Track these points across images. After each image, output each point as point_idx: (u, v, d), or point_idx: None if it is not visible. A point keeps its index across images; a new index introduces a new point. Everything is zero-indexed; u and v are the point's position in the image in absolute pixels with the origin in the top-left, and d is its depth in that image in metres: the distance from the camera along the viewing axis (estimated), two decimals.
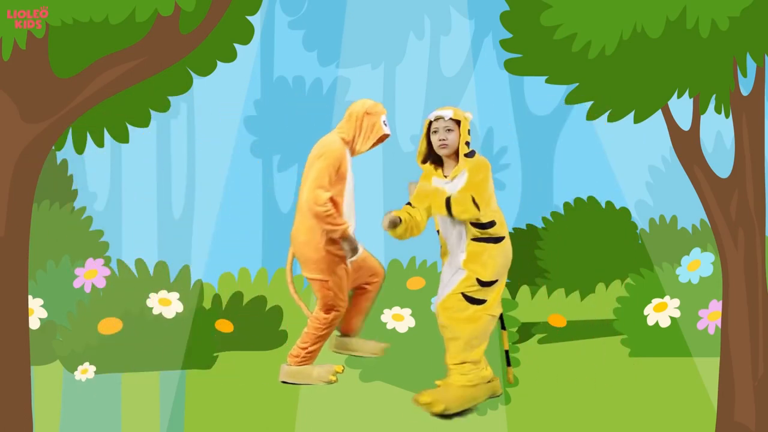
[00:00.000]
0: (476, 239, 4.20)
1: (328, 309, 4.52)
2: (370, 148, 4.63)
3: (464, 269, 4.20)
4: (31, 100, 3.45)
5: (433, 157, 4.33)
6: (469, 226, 4.19)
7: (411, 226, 4.21)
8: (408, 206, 4.28)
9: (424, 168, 4.35)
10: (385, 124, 4.63)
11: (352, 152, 4.60)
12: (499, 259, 4.22)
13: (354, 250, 4.52)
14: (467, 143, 4.21)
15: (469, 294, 4.17)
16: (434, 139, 4.25)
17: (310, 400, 4.28)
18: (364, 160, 5.38)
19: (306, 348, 4.53)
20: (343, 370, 4.59)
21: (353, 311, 4.78)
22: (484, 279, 4.17)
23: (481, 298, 4.17)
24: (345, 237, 4.46)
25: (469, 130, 4.23)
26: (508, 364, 4.47)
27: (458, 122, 4.22)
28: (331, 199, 4.43)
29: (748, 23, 3.34)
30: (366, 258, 4.71)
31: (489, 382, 4.27)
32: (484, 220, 4.17)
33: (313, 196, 4.41)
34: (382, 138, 4.67)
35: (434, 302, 4.34)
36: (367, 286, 4.75)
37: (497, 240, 4.22)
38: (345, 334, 4.85)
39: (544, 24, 3.45)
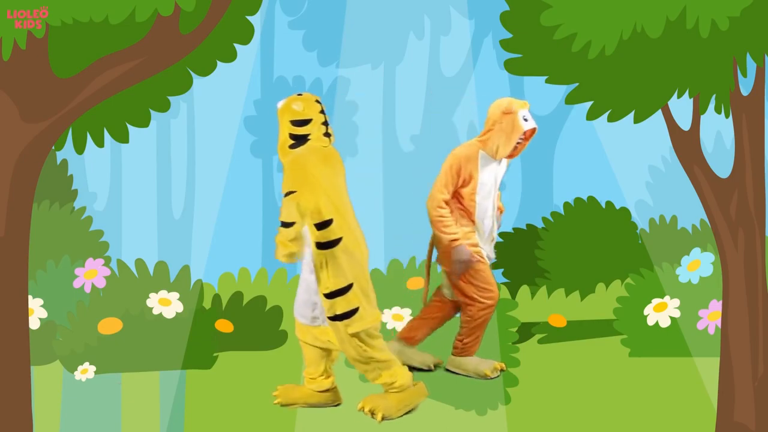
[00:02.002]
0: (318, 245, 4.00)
1: (469, 308, 4.57)
2: (520, 146, 4.64)
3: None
4: (31, 100, 3.45)
5: None
6: (313, 228, 3.98)
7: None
8: None
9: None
10: (526, 120, 4.59)
11: (496, 155, 4.58)
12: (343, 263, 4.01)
13: (462, 262, 4.52)
14: (292, 135, 4.10)
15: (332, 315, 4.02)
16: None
17: None
18: (364, 160, 5.39)
19: (462, 340, 4.63)
20: (504, 369, 4.66)
21: (420, 319, 4.78)
22: (334, 288, 3.99)
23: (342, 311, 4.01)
24: (454, 246, 4.49)
25: (294, 121, 4.10)
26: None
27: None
28: (447, 204, 4.49)
29: (748, 23, 3.33)
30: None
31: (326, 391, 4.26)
32: (317, 220, 3.97)
33: (430, 196, 4.51)
34: (528, 134, 4.64)
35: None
36: (456, 303, 4.71)
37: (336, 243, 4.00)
38: (404, 340, 4.79)
39: (544, 24, 3.45)
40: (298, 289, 4.17)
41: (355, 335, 4.00)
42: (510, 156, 4.67)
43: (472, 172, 4.54)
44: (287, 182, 4.04)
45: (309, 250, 4.02)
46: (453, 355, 4.67)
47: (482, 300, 4.57)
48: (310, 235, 3.98)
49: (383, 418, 4.03)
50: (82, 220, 5.52)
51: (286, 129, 4.11)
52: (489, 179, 4.60)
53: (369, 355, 4.04)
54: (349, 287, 3.98)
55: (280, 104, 4.16)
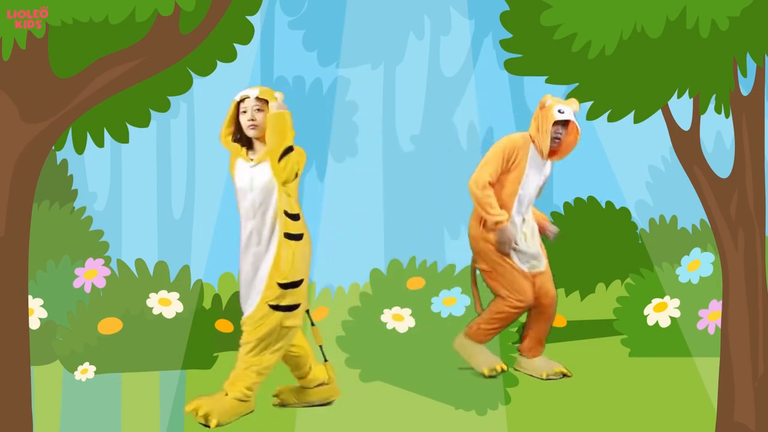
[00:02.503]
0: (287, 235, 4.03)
1: (500, 300, 4.59)
2: (564, 145, 4.67)
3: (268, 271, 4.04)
4: (31, 100, 3.44)
5: (241, 139, 4.10)
6: (285, 218, 4.01)
7: None
8: None
9: (231, 148, 4.10)
10: (561, 112, 4.57)
11: (541, 152, 4.62)
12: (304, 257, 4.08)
13: (505, 243, 4.53)
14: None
15: (275, 303, 4.02)
16: (243, 119, 4.03)
17: None
18: (364, 160, 5.39)
19: (479, 323, 4.63)
20: (503, 371, 4.60)
21: (525, 330, 4.78)
22: (290, 279, 4.02)
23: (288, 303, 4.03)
24: (499, 228, 4.50)
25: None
26: (325, 359, 4.30)
27: (267, 102, 4.06)
28: (492, 185, 4.51)
29: (748, 23, 3.33)
30: (543, 275, 4.70)
31: (320, 385, 4.23)
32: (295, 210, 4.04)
33: (475, 176, 4.51)
34: (570, 129, 4.63)
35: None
36: (537, 306, 4.70)
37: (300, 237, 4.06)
38: (520, 352, 4.81)
39: (544, 24, 3.45)
40: (251, 291, 4.11)
41: (286, 328, 4.04)
42: (553, 154, 4.68)
43: (521, 159, 4.57)
44: (283, 136, 3.99)
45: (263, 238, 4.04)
46: (464, 333, 4.66)
47: (512, 299, 4.56)
48: (280, 225, 4.00)
49: (218, 424, 3.94)
50: (82, 220, 5.52)
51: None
52: (534, 175, 4.62)
53: (263, 358, 4.03)
54: (300, 282, 4.04)
55: (278, 94, 4.11)
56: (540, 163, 4.67)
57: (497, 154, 4.56)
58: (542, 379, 4.60)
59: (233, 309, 5.08)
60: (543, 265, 4.69)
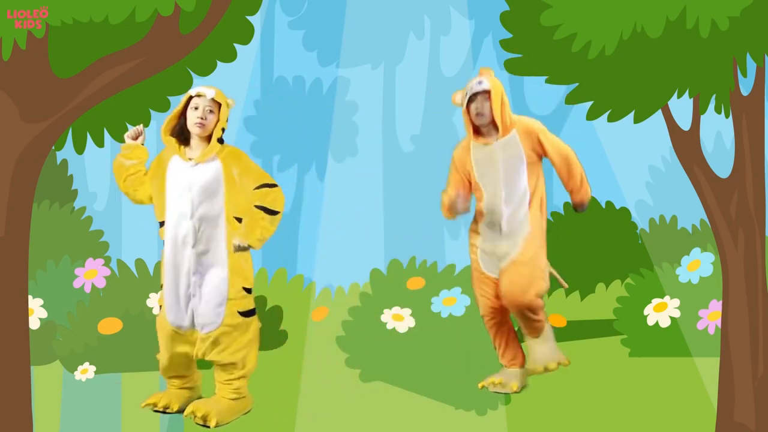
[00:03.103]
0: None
1: None
2: (481, 114, 4.20)
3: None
4: (31, 100, 3.45)
5: (179, 134, 3.99)
6: (236, 223, 3.96)
7: None
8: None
9: (169, 143, 3.97)
10: (466, 94, 4.23)
11: (476, 135, 4.28)
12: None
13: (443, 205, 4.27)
14: (223, 130, 3.97)
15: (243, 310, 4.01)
16: (192, 115, 3.90)
17: (310, 400, 4.28)
18: (364, 160, 5.38)
19: None
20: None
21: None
22: (248, 285, 4.02)
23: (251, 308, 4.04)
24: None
25: (227, 119, 3.98)
26: None
27: (219, 105, 3.95)
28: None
29: (748, 23, 3.34)
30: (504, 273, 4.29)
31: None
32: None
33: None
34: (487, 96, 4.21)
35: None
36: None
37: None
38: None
39: (544, 24, 3.45)
40: (207, 296, 3.99)
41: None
42: (498, 128, 4.20)
43: (467, 161, 4.32)
44: (261, 174, 4.02)
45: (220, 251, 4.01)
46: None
47: (479, 301, 4.39)
48: (230, 230, 3.97)
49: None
50: (82, 220, 5.52)
51: (224, 122, 3.97)
52: (485, 162, 4.26)
53: (248, 365, 4.06)
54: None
55: (231, 101, 4.02)
56: (489, 151, 4.25)
57: (450, 169, 4.39)
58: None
59: None
60: (506, 261, 4.28)
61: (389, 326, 5.04)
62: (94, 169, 6.11)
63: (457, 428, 4.00)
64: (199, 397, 4.15)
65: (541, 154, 4.29)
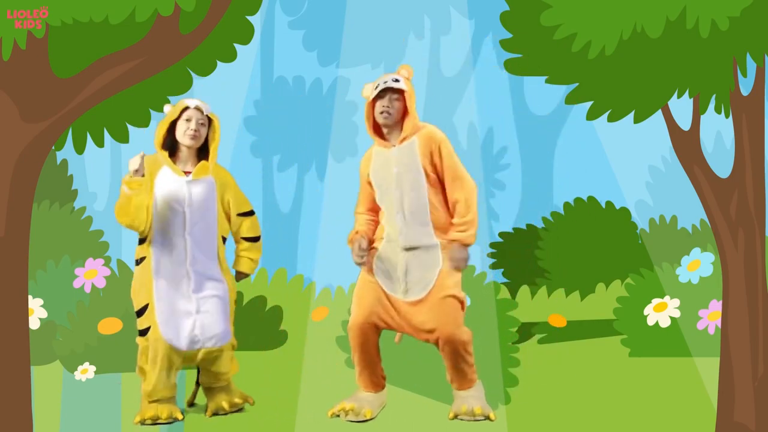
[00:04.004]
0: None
1: None
2: (387, 113, 3.99)
3: None
4: (31, 100, 3.45)
5: (169, 146, 4.05)
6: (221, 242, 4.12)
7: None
8: None
9: (161, 155, 4.02)
10: (374, 89, 4.02)
11: (379, 139, 4.09)
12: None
13: (353, 252, 4.13)
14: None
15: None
16: (184, 126, 3.98)
17: (310, 400, 4.27)
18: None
19: None
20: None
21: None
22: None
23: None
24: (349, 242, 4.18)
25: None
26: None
27: (210, 120, 4.05)
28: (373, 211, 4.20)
29: (748, 23, 3.34)
30: (419, 306, 4.04)
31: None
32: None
33: None
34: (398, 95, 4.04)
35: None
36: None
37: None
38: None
39: (544, 24, 3.45)
40: (214, 313, 4.06)
41: None
42: (403, 130, 4.01)
43: (366, 167, 4.10)
44: (244, 200, 4.19)
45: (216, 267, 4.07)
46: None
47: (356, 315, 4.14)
48: (221, 249, 4.11)
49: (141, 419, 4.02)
50: (82, 220, 5.52)
51: (217, 138, 4.06)
52: (381, 168, 4.04)
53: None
54: None
55: (208, 108, 4.08)
56: (386, 156, 4.04)
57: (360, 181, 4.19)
58: (449, 418, 4.04)
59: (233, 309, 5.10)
60: (413, 293, 4.03)
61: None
62: (94, 169, 6.12)
63: (457, 428, 4.00)
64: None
65: (438, 169, 4.00)
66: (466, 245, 3.99)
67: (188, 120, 3.97)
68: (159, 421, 3.98)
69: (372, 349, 4.15)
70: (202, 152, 4.08)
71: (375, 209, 4.15)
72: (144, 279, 4.02)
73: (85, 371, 4.62)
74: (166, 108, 3.98)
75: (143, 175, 3.94)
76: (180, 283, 3.99)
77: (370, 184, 4.12)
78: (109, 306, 4.79)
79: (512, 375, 4.48)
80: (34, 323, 4.81)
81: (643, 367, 4.78)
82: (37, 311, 4.87)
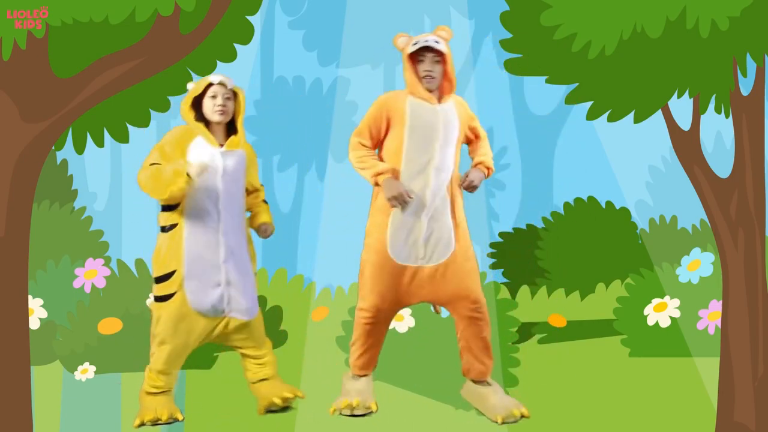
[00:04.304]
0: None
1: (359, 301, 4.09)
2: (430, 76, 3.97)
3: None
4: (31, 100, 3.45)
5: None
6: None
7: None
8: None
9: (193, 123, 4.00)
10: (415, 44, 3.92)
11: (423, 97, 3.99)
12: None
13: (395, 197, 3.88)
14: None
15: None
16: (211, 103, 3.96)
17: (311, 400, 4.27)
18: None
19: (350, 342, 4.17)
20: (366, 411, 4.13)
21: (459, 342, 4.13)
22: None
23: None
24: (381, 180, 3.98)
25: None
26: None
27: (235, 93, 4.05)
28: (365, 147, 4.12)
29: (748, 23, 3.34)
30: (449, 269, 3.98)
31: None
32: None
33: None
34: (439, 57, 3.99)
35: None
36: (453, 310, 4.08)
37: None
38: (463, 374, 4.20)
39: (544, 24, 3.45)
40: (245, 283, 4.09)
41: None
42: (445, 92, 4.01)
43: (394, 115, 3.93)
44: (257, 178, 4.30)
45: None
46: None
47: (358, 302, 4.09)
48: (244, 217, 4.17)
49: (140, 422, 4.00)
50: (82, 220, 5.52)
51: (243, 110, 4.10)
52: (423, 120, 3.92)
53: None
54: None
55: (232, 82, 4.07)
56: (430, 110, 3.94)
57: (368, 115, 4.00)
58: (498, 423, 3.95)
59: None
60: (437, 257, 3.95)
61: (389, 326, 5.04)
62: (94, 169, 6.12)
63: (457, 428, 4.00)
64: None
65: (469, 135, 4.17)
66: (489, 170, 4.18)
67: (214, 96, 3.98)
68: (159, 422, 3.97)
69: (381, 331, 4.13)
70: (229, 126, 4.10)
71: (372, 148, 4.06)
72: (174, 245, 3.97)
73: (85, 371, 4.62)
74: (190, 85, 4.00)
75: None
76: (211, 251, 3.98)
77: (389, 125, 3.97)
78: (109, 306, 4.79)
79: (512, 375, 4.48)
80: (34, 323, 4.81)
81: (643, 367, 4.77)
82: (37, 311, 4.87)
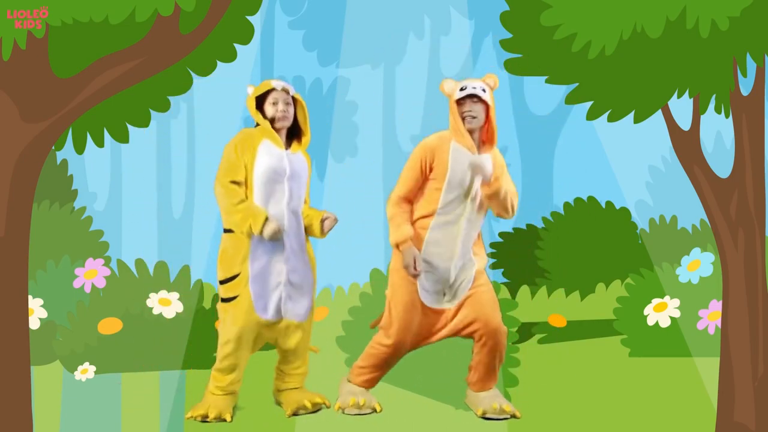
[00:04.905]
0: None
1: (377, 334, 4.19)
2: (472, 117, 3.96)
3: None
4: (31, 100, 3.45)
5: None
6: None
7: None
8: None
9: (263, 123, 4.06)
10: (462, 89, 3.99)
11: (467, 146, 4.00)
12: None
13: (408, 265, 4.00)
14: None
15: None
16: (273, 109, 4.05)
17: None
18: (364, 160, 5.34)
19: (357, 362, 4.23)
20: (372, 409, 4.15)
21: (472, 360, 4.16)
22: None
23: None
24: (401, 249, 4.06)
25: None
26: None
27: (294, 99, 4.13)
28: (409, 201, 4.11)
29: (748, 23, 3.34)
30: (471, 302, 4.04)
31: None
32: None
33: (392, 193, 4.25)
34: (474, 104, 3.97)
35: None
36: (471, 334, 4.09)
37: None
38: (467, 383, 4.22)
39: (544, 24, 3.45)
40: (303, 285, 4.13)
41: None
42: (486, 141, 4.01)
43: (440, 161, 3.97)
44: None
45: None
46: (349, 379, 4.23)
47: (381, 334, 4.13)
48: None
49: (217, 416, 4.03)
50: (82, 220, 5.52)
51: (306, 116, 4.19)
52: (462, 168, 3.96)
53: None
54: None
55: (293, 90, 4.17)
56: (471, 159, 3.97)
57: (412, 161, 4.03)
58: (478, 415, 4.03)
59: None
60: (459, 297, 4.04)
61: None
62: (94, 169, 6.12)
63: (457, 428, 4.00)
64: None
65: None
66: (496, 192, 4.00)
67: (275, 103, 4.06)
68: (206, 420, 4.00)
69: (396, 361, 4.20)
70: (289, 132, 4.17)
71: (412, 199, 4.09)
72: (240, 247, 4.00)
73: (85, 371, 4.62)
74: (249, 89, 4.11)
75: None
76: (274, 254, 4.02)
77: (429, 173, 4.01)
78: (109, 306, 4.79)
79: (512, 375, 4.48)
80: (34, 323, 4.81)
81: (643, 367, 4.77)
82: (37, 311, 4.87)
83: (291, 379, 4.22)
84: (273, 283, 4.03)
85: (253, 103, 4.10)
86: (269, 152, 4.04)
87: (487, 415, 4.01)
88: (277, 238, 3.96)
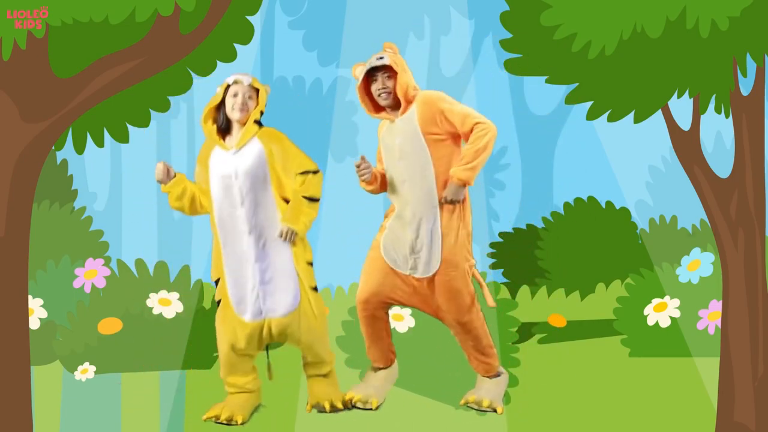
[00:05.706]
0: None
1: None
2: (386, 92, 4.01)
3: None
4: (31, 100, 3.45)
5: (222, 124, 4.04)
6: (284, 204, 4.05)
7: None
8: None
9: (210, 135, 4.04)
10: (363, 68, 4.06)
11: (379, 112, 4.11)
12: None
13: None
14: (261, 113, 4.06)
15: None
16: (232, 101, 3.98)
17: None
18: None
19: None
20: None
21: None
22: (311, 260, 4.15)
23: None
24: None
25: (265, 103, 4.09)
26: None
27: (257, 91, 4.06)
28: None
29: (748, 23, 3.34)
30: (433, 283, 4.07)
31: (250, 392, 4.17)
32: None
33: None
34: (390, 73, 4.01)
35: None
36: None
37: None
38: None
39: (544, 24, 3.45)
40: (279, 281, 4.03)
41: None
42: (395, 107, 4.01)
43: (380, 141, 4.13)
44: (303, 158, 4.06)
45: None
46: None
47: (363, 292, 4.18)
48: (281, 210, 4.03)
49: (243, 420, 4.03)
50: (82, 220, 5.52)
51: (263, 105, 4.09)
52: (387, 140, 4.06)
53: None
54: None
55: (252, 80, 4.07)
56: (391, 129, 4.04)
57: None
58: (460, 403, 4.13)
59: None
60: (417, 272, 4.04)
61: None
62: (94, 169, 6.12)
63: (457, 428, 4.00)
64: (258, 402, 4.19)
65: (449, 129, 3.94)
66: (463, 180, 3.91)
67: (235, 95, 4.00)
68: (217, 421, 4.01)
69: (379, 324, 4.20)
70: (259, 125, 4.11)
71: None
72: (216, 253, 4.06)
73: (85, 371, 4.62)
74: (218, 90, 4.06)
75: (174, 176, 4.05)
76: (243, 254, 4.00)
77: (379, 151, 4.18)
78: (109, 306, 4.79)
79: (512, 375, 4.48)
80: (34, 323, 4.81)
81: (643, 367, 4.77)
82: (37, 311, 4.87)
83: (309, 368, 4.21)
84: (249, 286, 4.00)
85: (206, 110, 4.04)
86: (217, 158, 4.02)
87: (468, 405, 4.10)
88: (163, 177, 4.04)
